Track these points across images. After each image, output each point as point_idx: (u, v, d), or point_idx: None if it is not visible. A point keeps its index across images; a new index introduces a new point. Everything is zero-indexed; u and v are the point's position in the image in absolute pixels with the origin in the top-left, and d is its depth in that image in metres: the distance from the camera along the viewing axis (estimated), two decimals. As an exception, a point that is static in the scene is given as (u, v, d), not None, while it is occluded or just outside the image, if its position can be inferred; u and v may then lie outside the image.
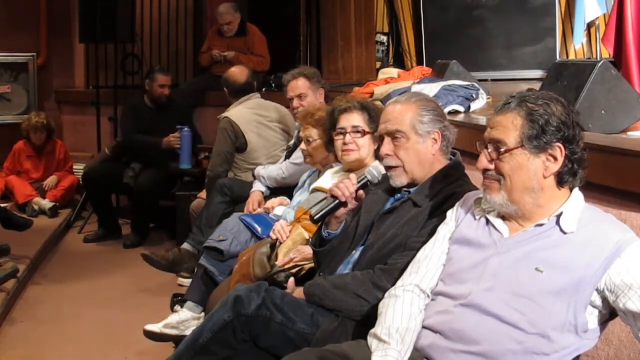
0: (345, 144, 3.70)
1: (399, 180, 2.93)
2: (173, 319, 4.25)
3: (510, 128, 2.30)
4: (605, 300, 2.22)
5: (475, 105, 4.54)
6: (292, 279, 3.19)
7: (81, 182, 7.57)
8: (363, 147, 3.67)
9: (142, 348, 4.29)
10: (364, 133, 3.67)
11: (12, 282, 5.15)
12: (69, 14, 8.33)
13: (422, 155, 2.93)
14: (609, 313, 2.27)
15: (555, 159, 2.30)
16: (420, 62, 7.70)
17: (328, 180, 3.92)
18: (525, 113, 2.30)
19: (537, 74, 7.36)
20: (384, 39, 8.30)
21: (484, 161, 2.36)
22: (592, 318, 2.26)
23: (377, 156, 3.16)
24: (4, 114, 8.28)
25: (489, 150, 2.35)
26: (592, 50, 7.66)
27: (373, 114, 3.65)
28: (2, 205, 6.44)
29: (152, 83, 7.00)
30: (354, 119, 3.68)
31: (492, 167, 2.34)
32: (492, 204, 2.38)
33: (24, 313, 5.11)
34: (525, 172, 2.30)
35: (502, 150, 2.30)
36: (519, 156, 2.29)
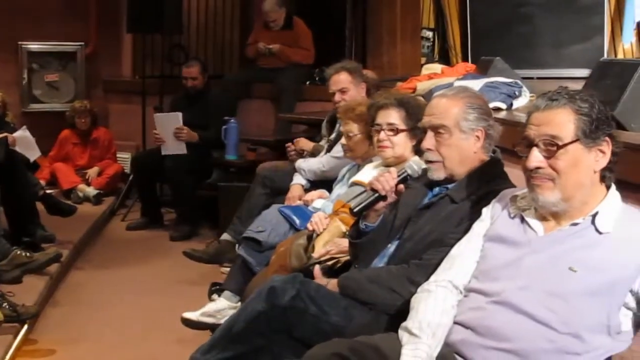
0: (379, 140, 3.69)
1: (437, 174, 2.92)
2: (210, 307, 4.29)
3: (565, 123, 2.28)
4: (639, 301, 2.21)
5: (517, 103, 4.51)
6: (317, 267, 3.20)
7: (128, 168, 7.79)
8: (397, 144, 3.63)
9: (182, 335, 4.33)
10: (397, 131, 3.62)
11: (56, 266, 5.23)
12: (117, 4, 8.40)
13: (464, 152, 2.91)
14: (644, 315, 2.26)
15: (604, 152, 2.30)
16: (465, 59, 7.66)
17: (367, 174, 3.91)
18: (577, 108, 2.28)
19: (584, 72, 7.24)
20: (430, 34, 8.26)
21: (537, 158, 2.31)
22: (625, 319, 2.25)
23: (418, 149, 3.15)
24: (52, 102, 8.41)
25: (540, 148, 2.32)
26: (642, 49, 7.55)
27: (411, 110, 3.60)
28: (48, 191, 6.54)
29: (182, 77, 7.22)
30: (390, 116, 3.64)
31: (545, 164, 2.31)
32: (543, 203, 2.34)
33: (66, 297, 5.21)
34: (580, 167, 2.29)
35: (559, 144, 2.27)
36: (575, 151, 2.28)
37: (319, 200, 4.47)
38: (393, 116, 3.65)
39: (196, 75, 7.19)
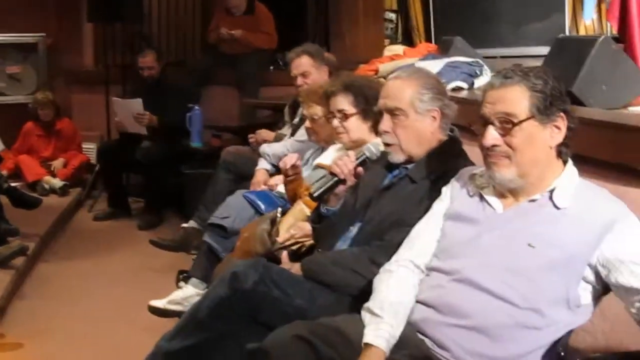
0: (334, 128, 3.69)
1: (396, 157, 2.94)
2: (177, 294, 4.29)
3: (519, 100, 2.30)
4: (597, 275, 2.24)
5: (478, 82, 4.53)
6: (284, 252, 3.21)
7: (95, 157, 7.73)
8: (350, 129, 3.61)
9: (150, 324, 4.32)
10: (346, 116, 3.61)
11: (22, 259, 5.20)
12: (77, -6, 8.33)
13: (421, 133, 2.92)
14: (602, 288, 2.28)
15: (559, 128, 2.32)
16: (428, 39, 7.67)
17: (330, 156, 3.93)
18: (531, 85, 2.30)
19: (546, 50, 7.29)
20: (393, 16, 8.27)
21: (493, 136, 2.33)
22: (585, 293, 2.27)
23: (377, 131, 3.16)
24: (14, 94, 8.29)
25: (496, 126, 2.33)
26: (602, 26, 7.59)
27: (358, 92, 3.59)
28: (13, 184, 6.47)
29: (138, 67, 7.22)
30: (338, 103, 3.63)
31: (501, 142, 2.33)
32: (500, 181, 2.36)
33: (33, 290, 5.16)
34: (535, 143, 2.31)
35: (514, 122, 2.29)
36: (530, 128, 2.29)
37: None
38: (341, 102, 3.63)
39: (152, 65, 7.15)
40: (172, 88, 7.24)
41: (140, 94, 7.13)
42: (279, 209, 3.87)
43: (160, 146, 6.84)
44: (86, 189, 7.73)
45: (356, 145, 3.58)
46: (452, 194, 2.58)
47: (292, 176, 3.97)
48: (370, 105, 3.48)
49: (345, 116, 3.62)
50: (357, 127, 3.61)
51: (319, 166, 3.99)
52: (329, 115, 3.75)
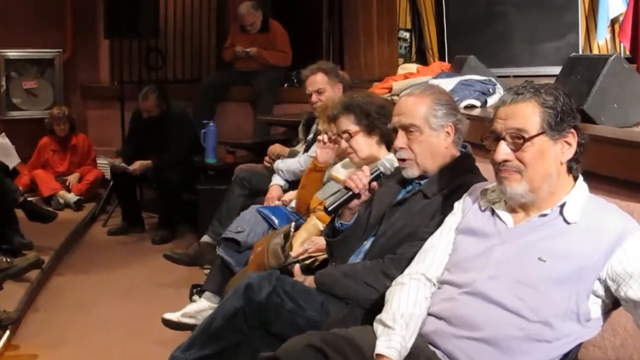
0: (344, 150, 3.74)
1: (411, 171, 2.97)
2: (191, 308, 4.31)
3: (530, 116, 2.33)
4: (607, 289, 2.26)
5: (491, 100, 4.56)
6: (297, 266, 3.24)
7: (108, 173, 7.75)
8: (358, 148, 3.67)
9: (163, 337, 4.35)
10: (351, 136, 3.67)
11: (36, 272, 5.22)
12: (94, 10, 8.41)
13: (435, 148, 2.96)
14: (612, 302, 2.31)
15: (570, 144, 2.36)
16: (442, 58, 7.71)
17: (343, 169, 3.98)
18: (542, 101, 2.33)
19: (559, 70, 7.31)
20: (406, 35, 8.32)
21: (505, 151, 2.36)
22: (594, 307, 2.30)
23: (387, 145, 3.20)
24: (31, 109, 8.40)
25: (507, 141, 2.37)
26: (616, 46, 7.61)
27: (358, 109, 3.65)
28: (28, 198, 6.54)
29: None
30: (342, 124, 3.71)
31: (512, 157, 2.36)
32: (511, 195, 2.39)
33: (47, 302, 5.20)
34: (546, 159, 2.34)
35: (525, 137, 2.32)
36: (541, 143, 2.33)
37: (297, 200, 4.51)
38: (344, 123, 3.71)
39: (152, 108, 7.12)
40: (175, 128, 7.17)
41: (139, 126, 7.26)
42: (293, 224, 3.90)
43: (171, 170, 6.90)
44: (100, 203, 7.79)
45: (367, 162, 3.61)
46: (464, 209, 2.61)
47: None
48: (372, 120, 3.54)
49: (351, 136, 3.67)
50: (363, 143, 3.67)
51: (332, 178, 4.03)
52: (336, 138, 3.80)
